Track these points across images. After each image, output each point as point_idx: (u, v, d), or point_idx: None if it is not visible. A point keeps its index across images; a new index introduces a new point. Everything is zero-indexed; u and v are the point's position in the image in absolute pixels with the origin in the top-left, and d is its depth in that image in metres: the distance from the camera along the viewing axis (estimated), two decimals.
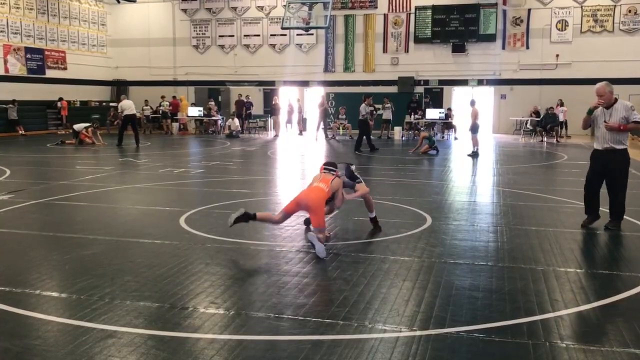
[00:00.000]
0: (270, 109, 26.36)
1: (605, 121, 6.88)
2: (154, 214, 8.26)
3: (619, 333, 4.00)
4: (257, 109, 28.07)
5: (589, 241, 6.73)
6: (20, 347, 3.74)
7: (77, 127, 19.70)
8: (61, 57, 27.02)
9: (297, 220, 7.57)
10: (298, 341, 3.85)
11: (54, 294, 4.77)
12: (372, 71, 27.28)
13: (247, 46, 28.76)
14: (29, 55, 25.14)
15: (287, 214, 6.39)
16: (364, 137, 17.63)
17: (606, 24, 24.63)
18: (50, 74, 26.30)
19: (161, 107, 26.39)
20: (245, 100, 26.04)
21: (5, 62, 24.07)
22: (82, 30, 28.36)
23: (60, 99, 25.83)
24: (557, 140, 21.39)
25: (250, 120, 26.17)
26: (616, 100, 6.93)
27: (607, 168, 6.98)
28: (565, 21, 25.02)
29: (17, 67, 24.67)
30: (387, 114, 23.96)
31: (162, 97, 26.77)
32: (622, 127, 6.82)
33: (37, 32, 25.73)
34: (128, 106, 19.31)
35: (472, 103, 16.97)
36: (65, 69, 27.18)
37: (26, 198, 9.18)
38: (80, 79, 27.82)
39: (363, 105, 17.94)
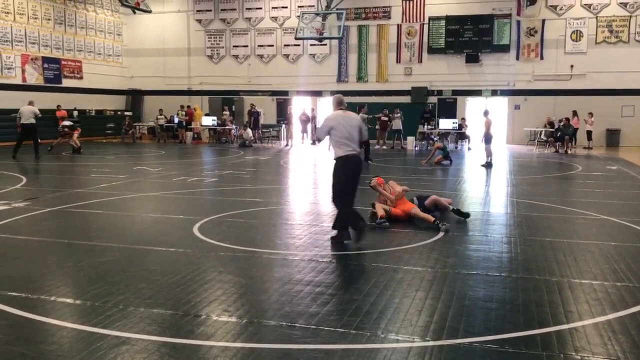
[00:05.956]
0: (285, 118, 26.42)
1: None
2: (168, 222, 8.32)
3: (635, 345, 3.96)
4: (271, 118, 28.18)
5: (604, 252, 6.65)
6: (36, 353, 3.78)
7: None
8: (77, 67, 27.37)
9: (309, 230, 7.60)
10: (310, 350, 3.85)
11: (69, 301, 4.82)
12: (385, 81, 27.30)
13: (261, 56, 28.93)
14: (46, 65, 25.52)
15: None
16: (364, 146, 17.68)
17: (621, 34, 24.49)
18: (66, 83, 26.65)
19: (178, 116, 26.57)
20: (252, 110, 26.07)
21: (23, 71, 24.47)
22: (98, 40, 28.72)
23: (59, 107, 24.90)
24: (566, 151, 21.20)
25: (262, 130, 26.23)
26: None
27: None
28: (580, 32, 24.91)
29: (34, 76, 25.03)
30: (397, 124, 23.96)
31: (181, 106, 26.99)
32: None
33: (54, 42, 26.10)
34: (27, 114, 16.77)
35: (486, 113, 16.92)
36: (81, 78, 27.53)
37: (41, 205, 9.29)
38: (96, 88, 28.15)
39: (360, 114, 18.01)
